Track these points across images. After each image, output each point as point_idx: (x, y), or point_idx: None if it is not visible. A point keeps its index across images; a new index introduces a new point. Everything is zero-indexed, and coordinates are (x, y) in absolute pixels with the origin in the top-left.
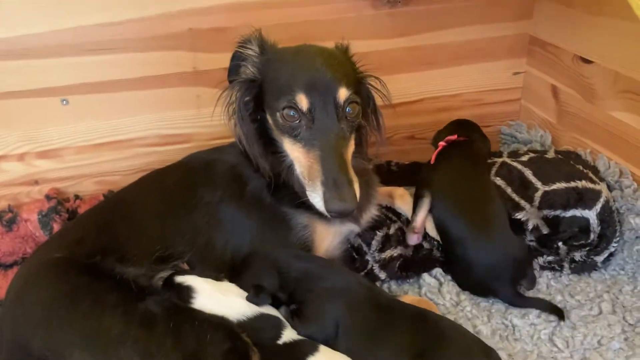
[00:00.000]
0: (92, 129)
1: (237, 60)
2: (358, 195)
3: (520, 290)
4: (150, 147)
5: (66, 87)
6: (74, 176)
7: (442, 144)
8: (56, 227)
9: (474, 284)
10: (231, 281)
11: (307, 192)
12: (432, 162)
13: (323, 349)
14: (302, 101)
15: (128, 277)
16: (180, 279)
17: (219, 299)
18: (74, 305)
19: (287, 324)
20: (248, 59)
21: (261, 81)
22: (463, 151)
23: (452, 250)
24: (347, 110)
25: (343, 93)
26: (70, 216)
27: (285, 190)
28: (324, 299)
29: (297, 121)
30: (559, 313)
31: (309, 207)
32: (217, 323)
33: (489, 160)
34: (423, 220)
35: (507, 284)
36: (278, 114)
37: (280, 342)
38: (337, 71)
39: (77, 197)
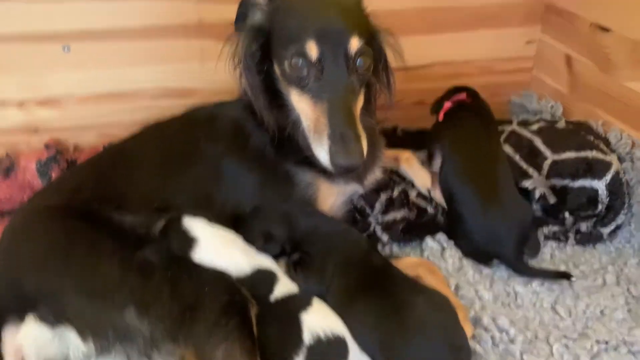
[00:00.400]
0: (94, 79)
1: (244, 7)
2: (365, 151)
3: (523, 258)
4: (152, 101)
5: (68, 33)
6: (75, 127)
7: (448, 104)
8: (55, 176)
9: (477, 248)
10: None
11: (312, 146)
12: (440, 119)
13: (316, 303)
14: (312, 50)
15: (126, 226)
16: (188, 224)
17: (222, 253)
18: (69, 250)
19: (280, 278)
20: (256, 5)
21: (269, 29)
22: (472, 111)
23: (456, 211)
24: (358, 62)
25: (355, 44)
26: (69, 166)
27: (290, 146)
28: (325, 255)
29: (306, 71)
30: (565, 276)
31: (313, 165)
32: (216, 276)
33: (499, 128)
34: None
35: (511, 249)
36: (286, 62)
37: (272, 298)
38: (350, 21)
39: (76, 148)
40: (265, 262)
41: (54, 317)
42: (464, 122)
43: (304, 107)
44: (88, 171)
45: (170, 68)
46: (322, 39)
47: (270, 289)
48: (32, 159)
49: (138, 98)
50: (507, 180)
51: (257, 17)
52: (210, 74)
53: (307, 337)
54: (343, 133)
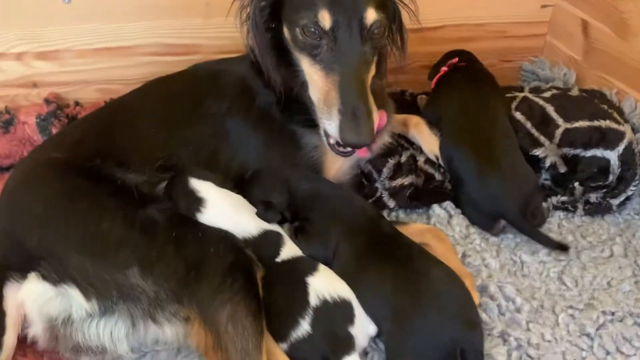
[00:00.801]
0: (94, 32)
1: None
2: (376, 127)
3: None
4: (154, 57)
5: None
6: (74, 81)
7: (444, 69)
8: (55, 131)
9: (479, 210)
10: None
11: (321, 118)
12: (433, 86)
13: (322, 269)
14: (325, 19)
15: (129, 183)
16: (195, 185)
17: (229, 214)
18: (71, 207)
19: (286, 241)
20: None
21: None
22: (466, 74)
23: (456, 175)
24: (373, 32)
25: (371, 15)
26: (69, 122)
27: (297, 107)
28: (327, 219)
29: (318, 40)
30: (563, 248)
31: (317, 126)
32: (221, 236)
33: (509, 95)
34: None
35: (513, 208)
36: (297, 29)
37: (278, 259)
38: None
39: (77, 103)
40: (272, 224)
41: (56, 275)
42: (458, 85)
43: (314, 77)
44: (89, 126)
45: (173, 23)
46: (336, 8)
47: (277, 251)
48: (32, 114)
49: (139, 53)
50: (507, 142)
51: None
52: (215, 30)
53: (314, 300)
54: (355, 109)
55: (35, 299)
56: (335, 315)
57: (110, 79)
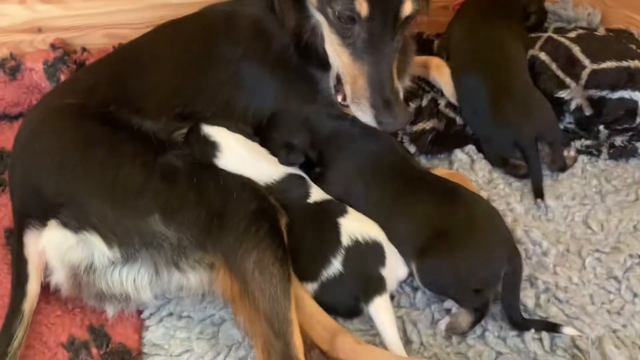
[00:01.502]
0: None
1: None
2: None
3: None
4: None
5: None
6: (81, 26)
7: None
8: (63, 78)
9: (496, 144)
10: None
11: (351, 105)
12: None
13: (352, 211)
14: (363, 7)
15: (147, 129)
16: (207, 130)
17: (247, 160)
18: (89, 152)
19: (312, 183)
20: None
21: None
22: (483, 2)
23: (470, 109)
24: (407, 22)
25: (408, 7)
26: (78, 68)
27: (314, 51)
28: (351, 162)
29: (351, 24)
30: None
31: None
32: (244, 182)
33: (533, 35)
34: None
35: (530, 139)
36: (330, 10)
37: (310, 200)
38: None
39: (84, 49)
40: (294, 168)
41: (77, 223)
42: (470, 13)
43: (342, 56)
44: (102, 71)
45: None
46: None
47: (306, 192)
48: (39, 60)
49: None
50: (519, 73)
51: None
52: None
53: (346, 240)
54: (386, 100)
55: (56, 246)
56: (366, 255)
57: (118, 23)
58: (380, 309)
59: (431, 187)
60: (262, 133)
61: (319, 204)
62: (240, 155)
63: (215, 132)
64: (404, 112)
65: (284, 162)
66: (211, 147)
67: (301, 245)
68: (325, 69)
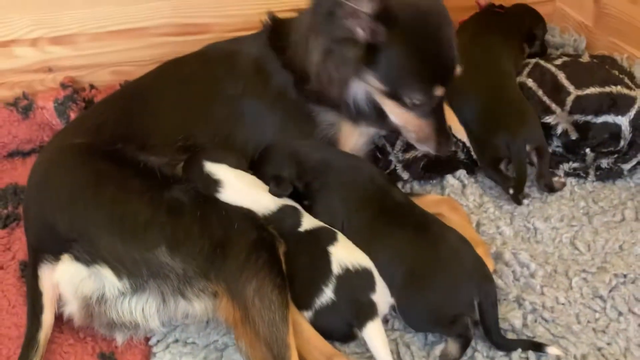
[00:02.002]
0: (107, 15)
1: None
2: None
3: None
4: (166, 37)
5: None
6: (89, 65)
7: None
8: (73, 115)
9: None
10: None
11: (416, 144)
12: None
13: (341, 238)
14: (439, 92)
15: (151, 165)
16: (210, 168)
17: (247, 193)
18: (99, 190)
19: (304, 212)
20: (357, 16)
21: (374, 48)
22: (485, 19)
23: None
24: None
25: (458, 70)
26: (86, 105)
27: (324, 94)
28: (336, 191)
29: (424, 102)
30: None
31: (336, 105)
32: (244, 214)
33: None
34: None
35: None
36: (407, 98)
37: (301, 229)
38: (455, 43)
39: (92, 86)
40: (288, 200)
41: (89, 257)
42: (470, 28)
43: (407, 120)
44: (108, 110)
45: (185, 3)
46: (446, 81)
47: (298, 222)
48: (49, 98)
49: (151, 34)
50: (513, 86)
51: (359, 31)
52: (225, 9)
53: (336, 268)
54: (445, 137)
55: (69, 279)
56: (357, 282)
57: (124, 61)
58: (372, 334)
59: (403, 221)
60: (254, 166)
61: (310, 232)
62: (240, 190)
63: (217, 170)
64: (452, 142)
65: (273, 193)
66: (214, 183)
67: (295, 274)
68: (325, 104)
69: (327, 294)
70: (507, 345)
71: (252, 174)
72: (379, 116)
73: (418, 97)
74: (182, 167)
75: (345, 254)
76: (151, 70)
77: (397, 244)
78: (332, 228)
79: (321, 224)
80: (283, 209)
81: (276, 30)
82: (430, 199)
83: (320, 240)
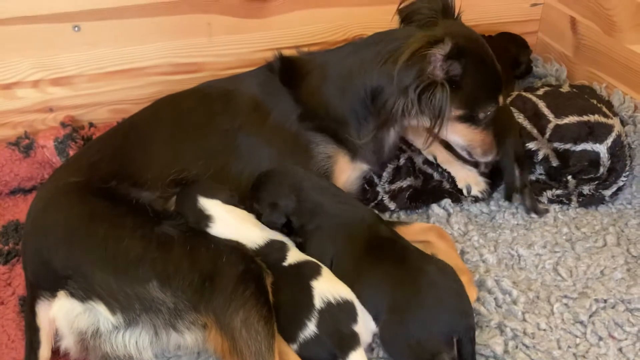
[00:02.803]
0: (104, 57)
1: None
2: None
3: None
4: (163, 76)
5: (77, 13)
6: (88, 104)
7: None
8: (72, 153)
9: None
10: (244, 200)
11: (481, 158)
12: None
13: (325, 273)
14: (500, 100)
15: (144, 202)
16: (203, 203)
17: (237, 228)
18: (92, 227)
19: (291, 246)
20: (433, 59)
21: (450, 82)
22: None
23: None
24: None
25: None
26: (85, 143)
27: (320, 119)
28: (327, 237)
29: (492, 113)
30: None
31: (335, 137)
32: (232, 247)
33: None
34: None
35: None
36: (482, 114)
37: (285, 263)
38: None
39: (91, 124)
40: (277, 234)
41: (83, 293)
42: None
43: (474, 136)
44: (103, 146)
45: (179, 44)
46: (501, 91)
47: (283, 256)
48: (50, 137)
49: (148, 74)
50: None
51: (438, 74)
52: (218, 48)
53: (318, 302)
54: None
55: (65, 315)
56: (339, 315)
57: (121, 100)
58: None
59: (384, 255)
60: (252, 188)
61: (295, 267)
62: (230, 226)
63: (210, 206)
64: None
65: (266, 221)
66: (205, 218)
67: (280, 307)
68: (325, 134)
69: (310, 328)
70: None
71: (243, 208)
72: (381, 154)
73: (490, 109)
74: (175, 200)
75: (327, 287)
76: (146, 107)
77: (380, 279)
78: (317, 262)
79: (307, 257)
80: (270, 244)
81: (288, 68)
82: (417, 227)
83: (303, 275)
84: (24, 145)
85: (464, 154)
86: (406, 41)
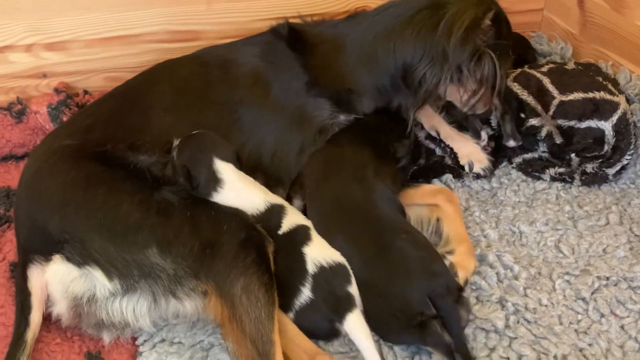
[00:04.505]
0: (100, 22)
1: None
2: None
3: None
4: (160, 44)
5: None
6: (83, 71)
7: None
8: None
9: None
10: None
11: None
12: None
13: (315, 238)
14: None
15: (142, 166)
16: (218, 166)
17: (245, 194)
18: (90, 192)
19: (287, 212)
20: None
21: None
22: None
23: None
24: None
25: None
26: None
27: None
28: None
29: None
30: None
31: (344, 106)
32: (232, 213)
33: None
34: None
35: None
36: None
37: (280, 232)
38: None
39: (85, 92)
40: (278, 198)
41: (80, 258)
42: None
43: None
44: (99, 110)
45: (177, 10)
46: None
47: (279, 222)
48: (43, 103)
49: (145, 41)
50: None
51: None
52: (218, 16)
53: (311, 267)
54: None
55: (60, 279)
56: (332, 278)
57: (117, 67)
58: (353, 325)
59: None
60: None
61: (288, 235)
62: (238, 191)
63: (224, 169)
64: None
65: None
66: (216, 182)
67: (276, 277)
68: (337, 103)
69: (305, 294)
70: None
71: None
72: None
73: (510, 64)
74: (179, 151)
75: (319, 252)
76: (142, 72)
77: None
78: (307, 226)
79: (299, 222)
80: (271, 209)
81: (296, 34)
82: (426, 189)
83: (295, 242)
84: (16, 110)
85: (465, 109)
86: (451, 10)
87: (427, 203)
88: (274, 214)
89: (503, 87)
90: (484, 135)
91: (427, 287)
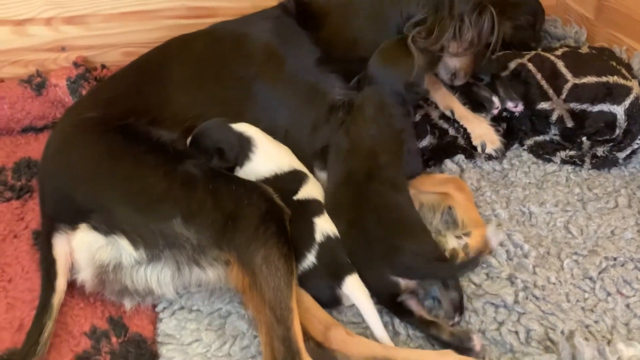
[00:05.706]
0: None
1: None
2: None
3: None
4: (178, 20)
5: None
6: (101, 45)
7: None
8: (84, 93)
9: None
10: None
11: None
12: None
13: (326, 214)
14: None
15: (164, 141)
16: (239, 127)
17: (272, 149)
18: (115, 164)
19: (308, 182)
20: None
21: None
22: None
23: None
24: None
25: None
26: None
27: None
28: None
29: None
30: None
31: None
32: (254, 187)
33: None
34: None
35: None
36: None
37: (295, 197)
38: None
39: (103, 66)
40: (302, 167)
41: (106, 227)
42: None
43: (466, 58)
44: (119, 83)
45: None
46: None
47: (297, 188)
48: (62, 77)
49: (163, 17)
50: None
51: None
52: None
53: (319, 236)
54: None
55: (86, 247)
56: (336, 247)
57: (135, 42)
58: (352, 286)
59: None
60: None
61: (302, 203)
62: (268, 148)
63: (245, 128)
64: None
65: None
66: (247, 142)
67: None
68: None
69: (309, 259)
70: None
71: None
72: None
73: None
74: (197, 139)
75: (328, 225)
76: (157, 46)
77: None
78: (321, 202)
79: (315, 196)
80: (292, 172)
81: (304, 8)
82: (438, 178)
83: (308, 211)
84: (36, 83)
85: (447, 78)
86: None
87: (437, 191)
88: (295, 179)
89: (498, 46)
90: (496, 100)
91: (391, 267)
